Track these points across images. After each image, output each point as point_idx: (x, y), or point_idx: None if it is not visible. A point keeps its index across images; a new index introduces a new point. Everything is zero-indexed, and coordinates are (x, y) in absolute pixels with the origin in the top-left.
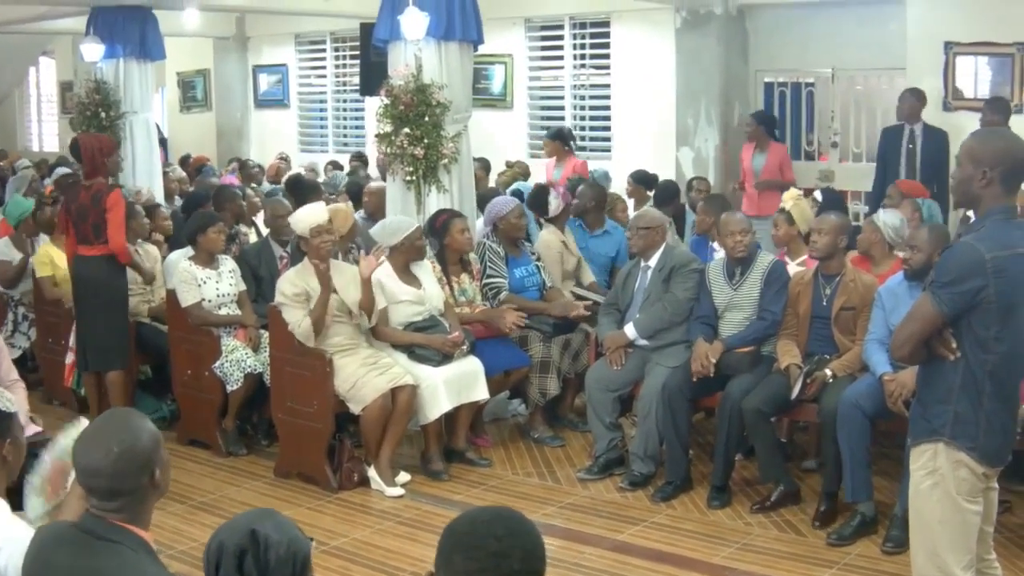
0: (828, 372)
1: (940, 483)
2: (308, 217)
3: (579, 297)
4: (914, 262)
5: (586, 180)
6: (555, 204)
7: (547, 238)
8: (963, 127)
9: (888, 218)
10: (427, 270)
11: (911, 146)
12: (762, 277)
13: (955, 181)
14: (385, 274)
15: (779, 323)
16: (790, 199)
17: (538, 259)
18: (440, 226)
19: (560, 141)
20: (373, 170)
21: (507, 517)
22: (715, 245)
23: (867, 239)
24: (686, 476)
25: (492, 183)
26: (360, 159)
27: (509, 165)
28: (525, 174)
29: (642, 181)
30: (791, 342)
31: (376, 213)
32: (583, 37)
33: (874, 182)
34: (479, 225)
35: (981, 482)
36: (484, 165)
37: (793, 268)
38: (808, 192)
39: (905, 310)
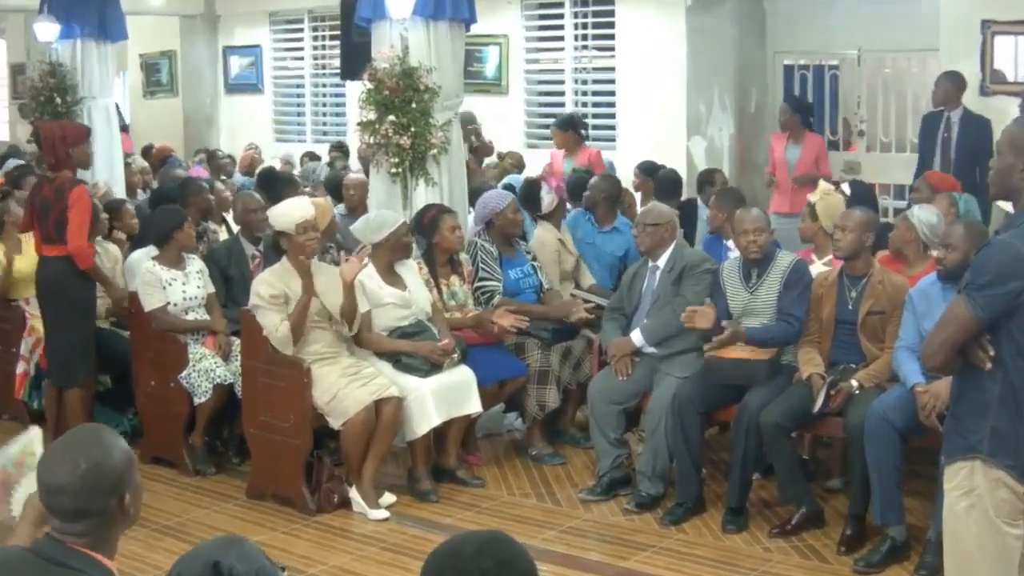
0: (854, 383)
1: (977, 504)
2: (294, 211)
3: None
4: (948, 262)
5: (588, 171)
6: (548, 199)
7: (542, 236)
8: (1002, 113)
9: (924, 215)
10: (412, 270)
11: (946, 135)
12: (781, 278)
13: (993, 171)
14: (367, 275)
15: (802, 327)
16: (819, 192)
17: (534, 259)
18: (429, 223)
19: (572, 130)
20: (355, 162)
21: (496, 546)
22: (730, 244)
23: (900, 237)
24: (698, 497)
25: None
26: (340, 150)
27: (501, 157)
28: (519, 166)
29: (650, 173)
30: (813, 350)
31: (357, 209)
32: (585, 16)
33: (915, 175)
34: (470, 222)
35: (1022, 503)
36: (479, 155)
37: (818, 268)
38: (835, 185)
39: (938, 314)
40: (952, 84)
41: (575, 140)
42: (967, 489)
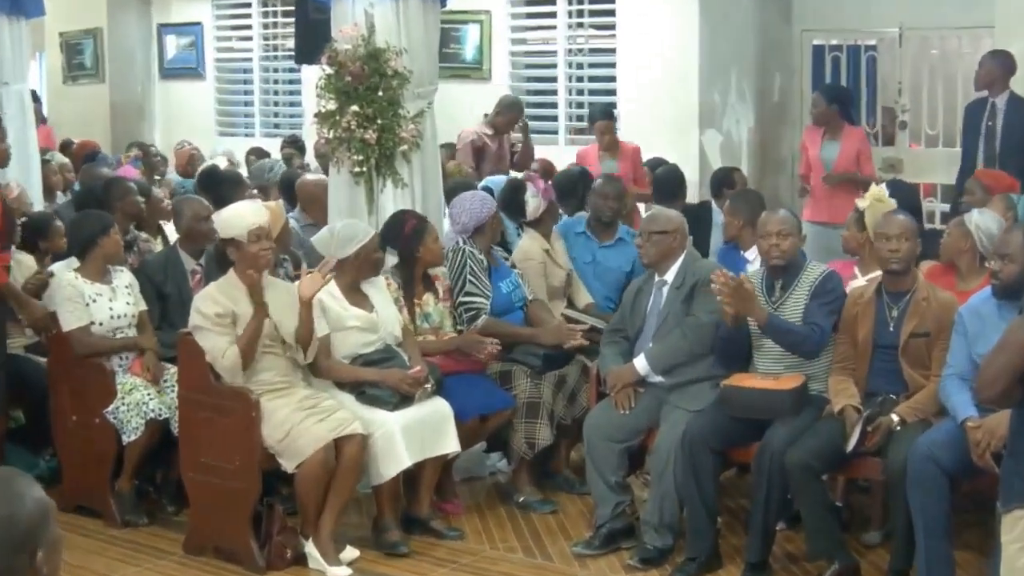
0: (895, 417)
1: None
2: (246, 216)
3: (572, 322)
4: (1005, 275)
5: (583, 169)
6: (534, 204)
7: (527, 247)
8: None
9: (983, 221)
10: (380, 288)
11: (991, 123)
12: (809, 292)
13: None
14: (328, 293)
15: (827, 341)
16: (870, 197)
17: (512, 266)
18: (411, 233)
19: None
20: (313, 159)
21: None
22: (748, 255)
23: (953, 246)
24: (713, 551)
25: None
26: (295, 145)
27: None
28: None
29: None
30: (847, 378)
31: (312, 214)
32: None
33: (958, 173)
34: (445, 227)
35: None
36: (453, 152)
37: (860, 283)
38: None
39: (995, 337)
40: (999, 64)
41: (615, 134)
42: None
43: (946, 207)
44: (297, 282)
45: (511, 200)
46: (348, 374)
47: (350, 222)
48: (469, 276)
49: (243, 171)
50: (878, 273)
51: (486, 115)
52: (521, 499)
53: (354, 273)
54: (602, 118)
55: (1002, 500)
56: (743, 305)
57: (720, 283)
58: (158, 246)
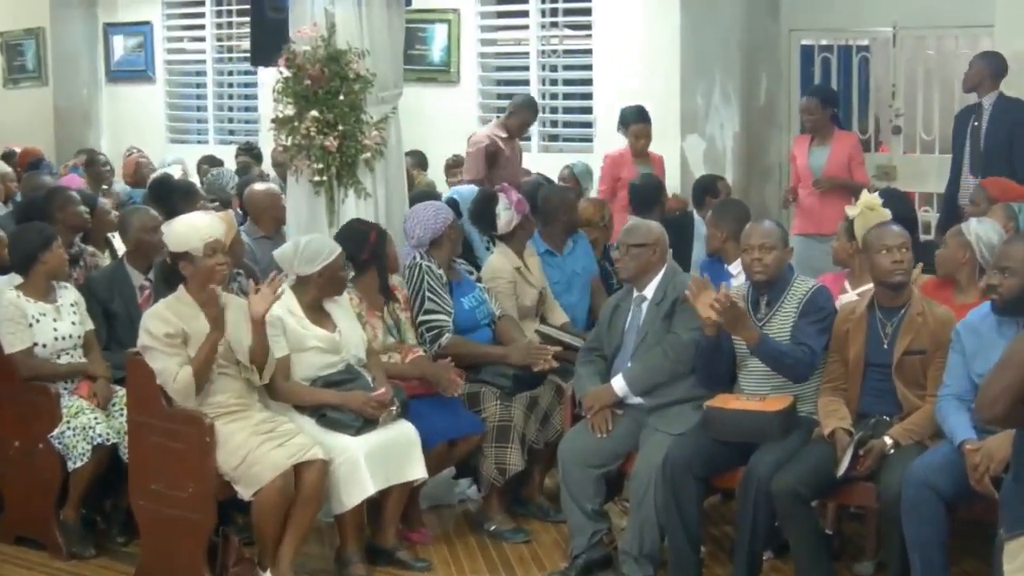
0: (888, 440)
1: None
2: (201, 228)
3: (547, 339)
4: (1005, 290)
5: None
6: (507, 216)
7: (496, 263)
8: None
9: (984, 230)
10: (344, 306)
11: (976, 123)
12: (797, 308)
13: None
14: (288, 311)
15: (819, 362)
16: (861, 205)
17: (478, 280)
18: (377, 241)
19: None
20: (270, 168)
21: None
22: (732, 268)
23: (951, 258)
24: None
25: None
26: (250, 153)
27: (449, 165)
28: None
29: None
30: (838, 399)
31: (263, 226)
32: None
33: (948, 182)
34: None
35: None
36: (420, 160)
37: (852, 298)
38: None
39: (994, 354)
40: (988, 65)
41: (650, 141)
42: None
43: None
44: (250, 298)
45: (482, 212)
46: (308, 396)
47: (316, 237)
48: (428, 293)
49: (195, 180)
50: (869, 286)
51: (498, 116)
52: (492, 528)
53: (317, 291)
54: (637, 120)
55: (1005, 527)
56: (734, 325)
57: (694, 293)
58: (106, 260)
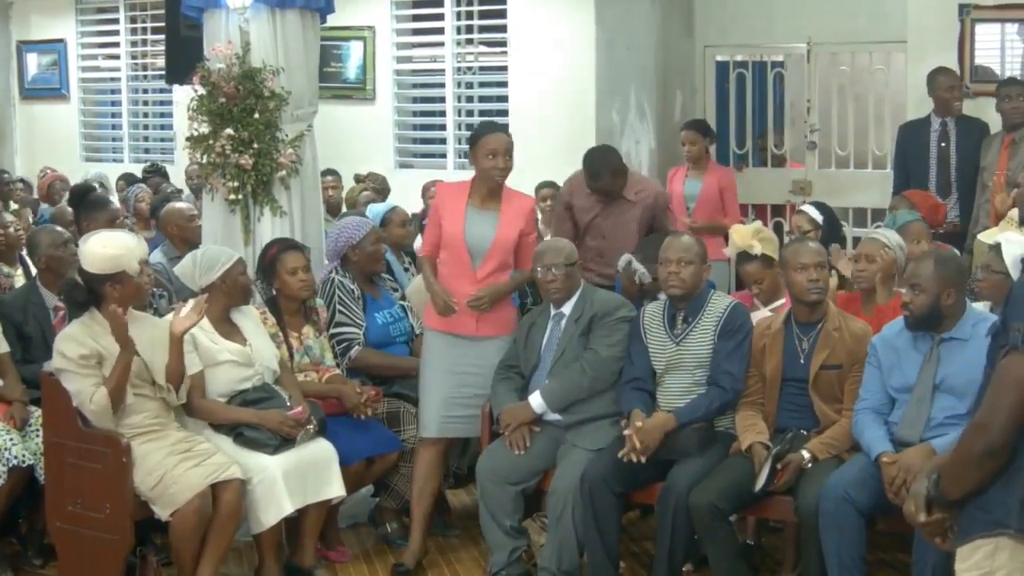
0: (805, 454)
1: None
2: (134, 247)
3: None
4: (916, 307)
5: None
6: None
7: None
8: (988, 116)
9: (895, 237)
10: (253, 319)
11: (943, 144)
12: (716, 327)
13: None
14: (198, 327)
15: (741, 387)
16: (752, 238)
17: (402, 297)
18: (268, 263)
19: (707, 137)
20: (185, 186)
21: None
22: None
23: (875, 263)
24: None
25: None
26: (157, 172)
27: (359, 179)
28: (383, 191)
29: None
30: (755, 414)
31: (177, 244)
32: (470, 3)
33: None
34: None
35: None
36: (336, 178)
37: (763, 315)
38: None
39: (910, 370)
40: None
41: (706, 151)
42: (986, 570)
43: (859, 232)
44: (168, 316)
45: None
46: (224, 415)
47: (211, 248)
48: (339, 306)
49: (114, 198)
50: (780, 302)
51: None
52: (385, 532)
53: (223, 300)
54: (691, 127)
55: (960, 535)
56: (655, 443)
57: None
58: (20, 279)
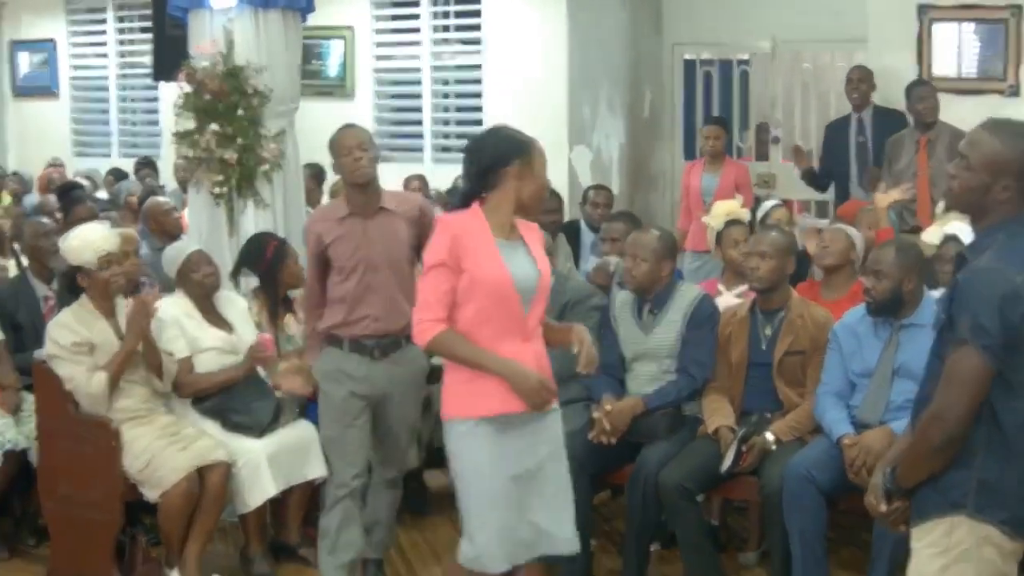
0: (769, 436)
1: (954, 565)
2: (93, 242)
3: None
4: (878, 293)
5: None
6: None
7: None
8: (947, 116)
9: (852, 230)
10: (238, 307)
11: (861, 139)
12: (684, 317)
13: (958, 187)
14: (184, 313)
15: (709, 374)
16: (720, 214)
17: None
18: (273, 255)
19: (723, 127)
20: (171, 181)
21: None
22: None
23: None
24: (587, 574)
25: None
26: (148, 166)
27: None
28: None
29: None
30: (721, 398)
31: (158, 236)
32: (446, 3)
33: (837, 196)
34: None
35: (1007, 564)
36: (316, 173)
37: (728, 300)
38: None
39: (870, 355)
40: (868, 79)
41: (721, 144)
42: (944, 548)
43: (820, 224)
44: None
45: None
46: (206, 381)
47: (177, 243)
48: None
49: (103, 193)
50: (743, 287)
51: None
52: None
53: (195, 290)
54: (714, 123)
55: (915, 515)
56: (622, 425)
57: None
58: (12, 270)
